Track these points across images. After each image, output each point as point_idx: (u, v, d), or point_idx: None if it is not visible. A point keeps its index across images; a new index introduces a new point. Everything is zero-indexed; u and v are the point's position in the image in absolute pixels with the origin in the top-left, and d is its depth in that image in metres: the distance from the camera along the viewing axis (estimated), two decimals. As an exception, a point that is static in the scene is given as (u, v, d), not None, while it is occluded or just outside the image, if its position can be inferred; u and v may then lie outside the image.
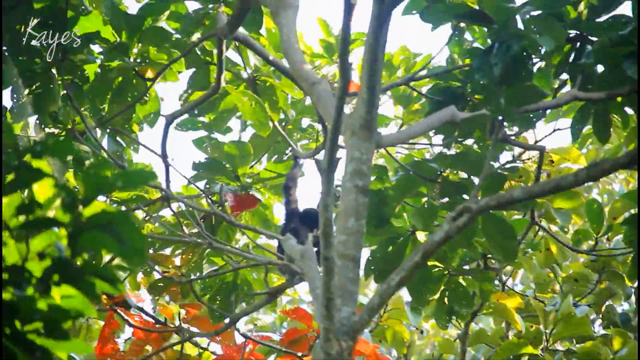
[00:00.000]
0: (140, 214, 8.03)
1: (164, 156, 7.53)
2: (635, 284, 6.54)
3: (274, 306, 7.78)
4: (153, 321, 7.76)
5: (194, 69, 8.02)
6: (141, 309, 8.86)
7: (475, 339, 7.31)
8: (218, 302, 7.76)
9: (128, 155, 8.00)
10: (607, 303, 7.53)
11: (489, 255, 6.04)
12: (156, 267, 7.95)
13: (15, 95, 6.74)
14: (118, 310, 7.59)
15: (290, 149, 8.24)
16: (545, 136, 7.35)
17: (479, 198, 4.74)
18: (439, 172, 5.62)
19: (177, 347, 7.67)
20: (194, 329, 7.75)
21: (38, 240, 3.30)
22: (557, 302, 6.73)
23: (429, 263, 5.90)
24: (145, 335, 7.50)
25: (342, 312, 4.47)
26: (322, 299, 4.45)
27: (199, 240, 7.12)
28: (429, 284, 5.80)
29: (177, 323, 7.90)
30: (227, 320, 7.34)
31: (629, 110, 5.69)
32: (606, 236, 7.24)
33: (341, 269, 4.57)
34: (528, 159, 7.31)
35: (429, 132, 5.91)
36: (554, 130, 7.11)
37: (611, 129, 5.67)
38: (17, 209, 3.29)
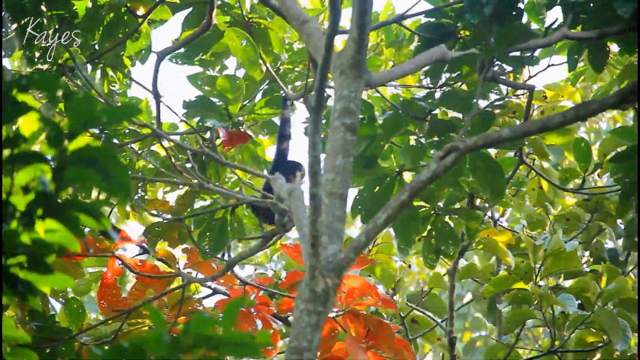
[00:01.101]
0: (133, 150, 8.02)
1: (155, 93, 7.51)
2: (624, 222, 6.56)
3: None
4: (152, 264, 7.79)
5: (189, 10, 7.95)
6: (141, 249, 8.90)
7: (465, 273, 7.34)
8: (207, 238, 7.78)
9: (122, 90, 7.97)
10: (595, 239, 7.58)
11: (477, 195, 6.05)
12: (153, 212, 7.95)
13: (3, 30, 6.69)
14: (118, 256, 7.60)
15: (282, 91, 8.21)
16: (538, 72, 7.33)
17: (467, 137, 4.74)
18: (427, 111, 5.61)
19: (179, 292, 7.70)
20: (194, 274, 7.78)
21: (23, 175, 3.31)
22: (547, 237, 6.75)
23: (416, 203, 5.92)
24: (146, 279, 7.53)
25: (329, 249, 4.48)
26: (309, 236, 4.46)
27: (190, 182, 7.12)
28: (415, 224, 5.81)
29: (178, 267, 7.93)
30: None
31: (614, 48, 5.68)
32: (595, 174, 7.26)
33: (328, 207, 4.58)
34: (523, 94, 7.29)
35: (419, 71, 5.89)
36: (548, 66, 7.09)
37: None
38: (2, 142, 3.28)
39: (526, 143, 6.86)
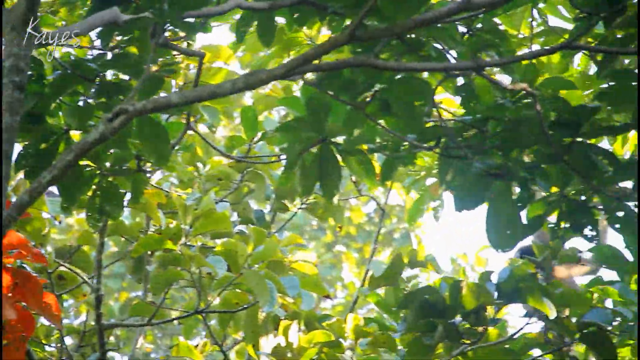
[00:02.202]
0: None
1: None
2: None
3: None
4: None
5: None
6: None
7: (113, 230, 7.25)
8: None
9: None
10: (244, 200, 7.73)
11: (144, 157, 6.07)
12: None
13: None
14: None
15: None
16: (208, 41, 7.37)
17: (137, 100, 4.77)
18: (97, 73, 5.59)
19: None
20: None
21: None
22: (197, 197, 6.83)
23: (81, 162, 5.87)
24: None
25: (-10, 208, 4.40)
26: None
27: None
28: (79, 183, 5.78)
29: None
30: None
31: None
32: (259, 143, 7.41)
33: (-8, 164, 4.48)
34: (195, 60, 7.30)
35: (91, 31, 5.83)
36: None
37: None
38: None
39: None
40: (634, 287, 6.30)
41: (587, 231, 5.14)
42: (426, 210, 8.62)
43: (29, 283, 5.08)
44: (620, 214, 5.07)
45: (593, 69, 7.59)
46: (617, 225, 5.24)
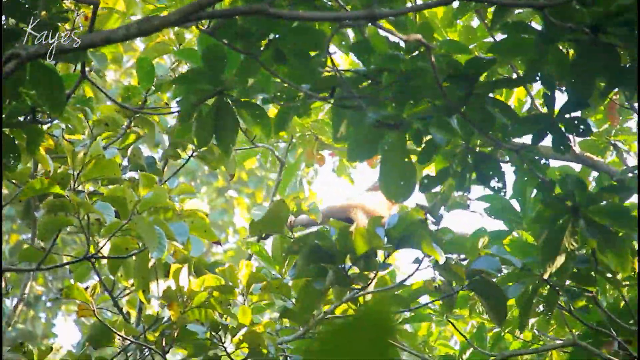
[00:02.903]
0: None
1: None
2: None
3: None
4: None
5: None
6: None
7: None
8: None
9: None
10: (135, 146, 7.64)
11: (39, 108, 5.96)
12: None
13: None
14: None
15: None
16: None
17: (30, 45, 4.69)
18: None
19: None
20: None
21: None
22: (87, 144, 6.75)
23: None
24: None
25: None
26: None
27: None
28: (-27, 134, 5.67)
29: None
30: None
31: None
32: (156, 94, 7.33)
33: None
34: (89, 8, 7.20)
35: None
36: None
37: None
38: None
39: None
40: (527, 237, 6.46)
41: (494, 182, 5.23)
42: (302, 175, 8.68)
43: None
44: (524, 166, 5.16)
45: (476, 22, 7.73)
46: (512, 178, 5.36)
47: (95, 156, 6.35)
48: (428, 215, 6.17)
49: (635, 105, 7.22)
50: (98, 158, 6.34)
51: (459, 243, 6.10)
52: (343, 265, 6.16)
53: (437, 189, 5.42)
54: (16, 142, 5.87)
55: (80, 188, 6.44)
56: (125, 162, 7.66)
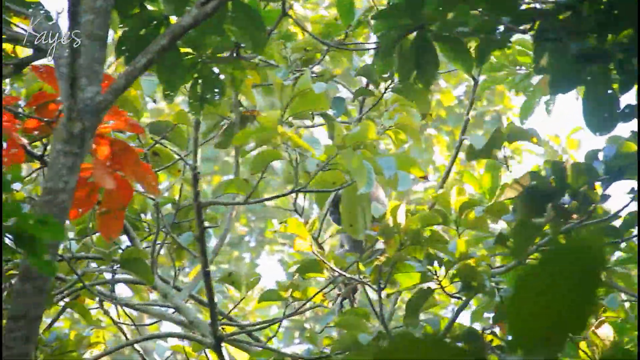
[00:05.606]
0: None
1: None
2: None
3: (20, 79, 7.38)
4: None
5: None
6: None
7: (208, 109, 7.07)
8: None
9: None
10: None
11: (243, 44, 6.08)
12: None
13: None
14: None
15: None
16: None
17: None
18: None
19: None
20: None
21: None
22: (285, 72, 6.81)
23: (183, 49, 5.93)
24: None
25: (87, 91, 4.48)
26: (67, 77, 4.46)
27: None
28: (180, 70, 5.84)
29: None
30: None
31: None
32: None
33: (88, 49, 4.56)
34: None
35: None
36: None
37: None
38: None
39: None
40: None
41: None
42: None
43: (126, 152, 5.12)
44: None
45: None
46: None
47: (302, 90, 6.35)
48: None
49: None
50: (306, 92, 6.34)
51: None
52: (562, 200, 6.06)
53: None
54: (221, 76, 5.99)
55: (288, 123, 6.44)
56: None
